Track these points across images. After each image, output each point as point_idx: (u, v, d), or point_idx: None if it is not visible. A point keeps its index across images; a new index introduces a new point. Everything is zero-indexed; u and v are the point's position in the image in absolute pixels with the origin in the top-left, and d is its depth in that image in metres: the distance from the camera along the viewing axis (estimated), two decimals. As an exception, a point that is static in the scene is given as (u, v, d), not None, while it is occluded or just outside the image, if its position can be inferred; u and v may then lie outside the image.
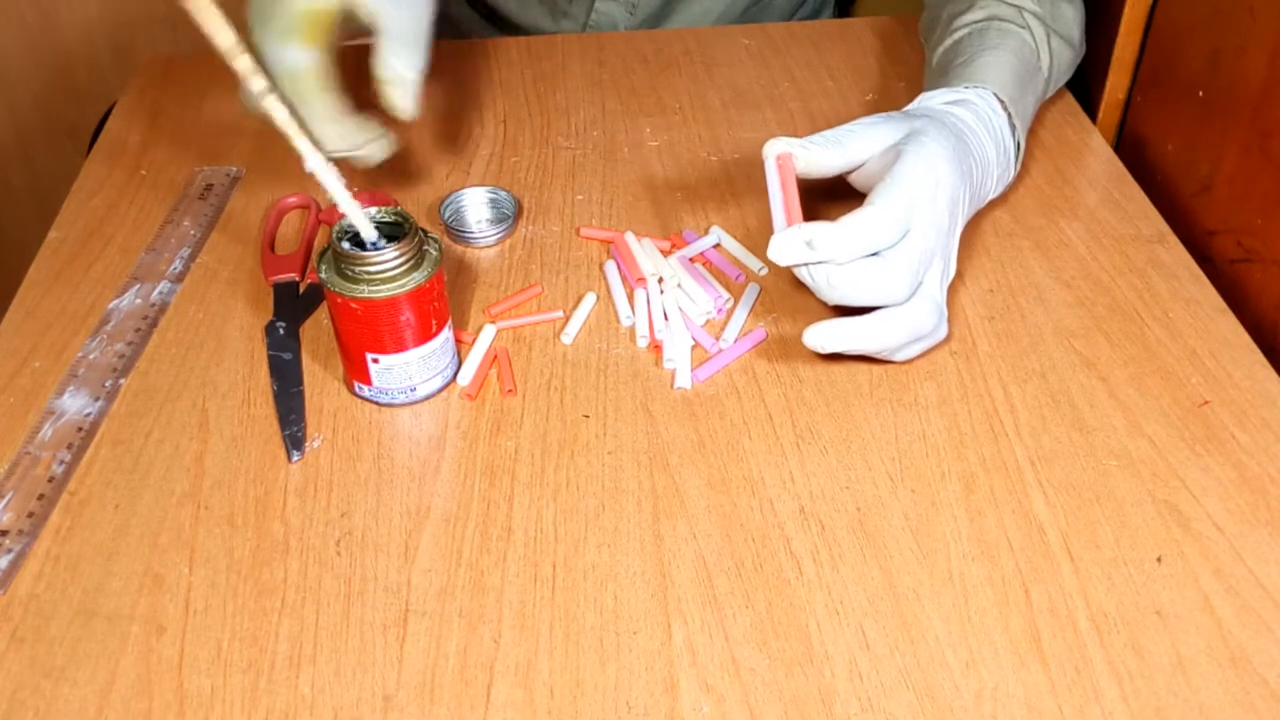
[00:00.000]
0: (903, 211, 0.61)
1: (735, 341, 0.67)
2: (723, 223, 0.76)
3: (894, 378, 0.65)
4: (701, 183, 0.80)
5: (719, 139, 0.85)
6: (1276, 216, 0.70)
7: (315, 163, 0.58)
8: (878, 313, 0.61)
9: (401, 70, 0.66)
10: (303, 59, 0.63)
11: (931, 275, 0.62)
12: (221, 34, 0.56)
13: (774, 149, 0.64)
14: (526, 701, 0.50)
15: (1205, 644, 0.52)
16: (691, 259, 0.73)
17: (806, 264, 0.61)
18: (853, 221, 0.60)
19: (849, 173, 0.68)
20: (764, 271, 0.72)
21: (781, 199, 0.63)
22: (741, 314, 0.69)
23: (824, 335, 0.61)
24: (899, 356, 0.64)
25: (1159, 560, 0.55)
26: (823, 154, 0.65)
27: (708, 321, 0.69)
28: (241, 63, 0.57)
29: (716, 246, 0.74)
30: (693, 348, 0.66)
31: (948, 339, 0.67)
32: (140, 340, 0.67)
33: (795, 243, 0.60)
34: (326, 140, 0.64)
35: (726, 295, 0.70)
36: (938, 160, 0.63)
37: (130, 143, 0.85)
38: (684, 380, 0.64)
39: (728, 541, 0.56)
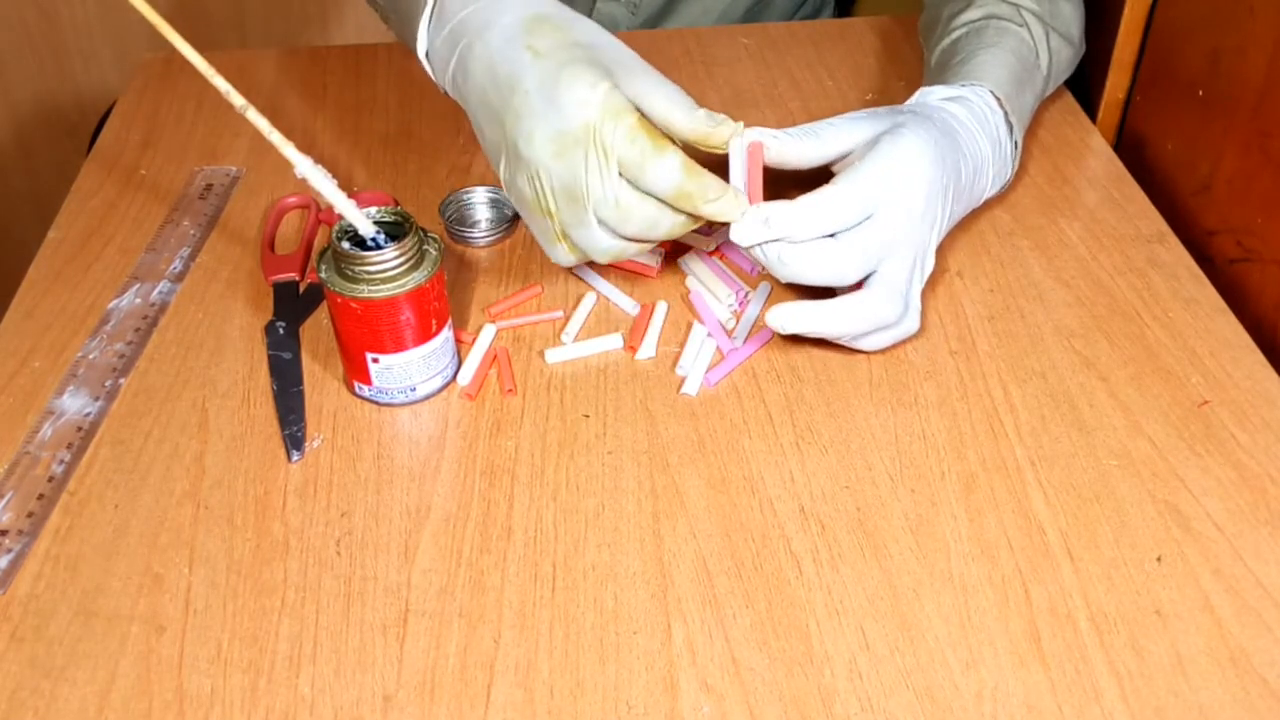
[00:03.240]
0: (863, 195, 0.61)
1: (745, 342, 0.67)
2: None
3: (894, 378, 0.65)
4: (701, 182, 0.80)
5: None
6: (1276, 216, 0.70)
7: (305, 167, 0.58)
8: (839, 298, 0.62)
9: (704, 114, 0.62)
10: (675, 158, 0.59)
11: (896, 264, 0.62)
12: (194, 57, 0.57)
13: (747, 136, 0.64)
14: (526, 701, 0.50)
15: (1205, 644, 0.52)
16: (709, 253, 0.74)
17: (765, 242, 0.61)
18: (808, 199, 0.61)
19: (830, 165, 0.68)
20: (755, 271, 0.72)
21: (744, 184, 0.63)
22: (753, 314, 0.69)
23: (784, 316, 0.62)
24: (864, 345, 0.64)
25: (1159, 560, 0.55)
26: (793, 145, 0.65)
27: (730, 313, 0.69)
28: (219, 81, 0.57)
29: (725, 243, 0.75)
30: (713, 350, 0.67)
31: (947, 337, 0.67)
32: (140, 340, 0.67)
33: (755, 225, 0.61)
34: (736, 208, 0.61)
35: (746, 288, 0.70)
36: (914, 152, 0.63)
37: (130, 142, 0.85)
38: (692, 387, 0.64)
39: (728, 541, 0.56)
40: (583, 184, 0.59)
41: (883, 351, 0.66)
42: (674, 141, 0.61)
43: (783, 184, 0.69)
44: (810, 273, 0.61)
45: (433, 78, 0.68)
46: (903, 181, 0.62)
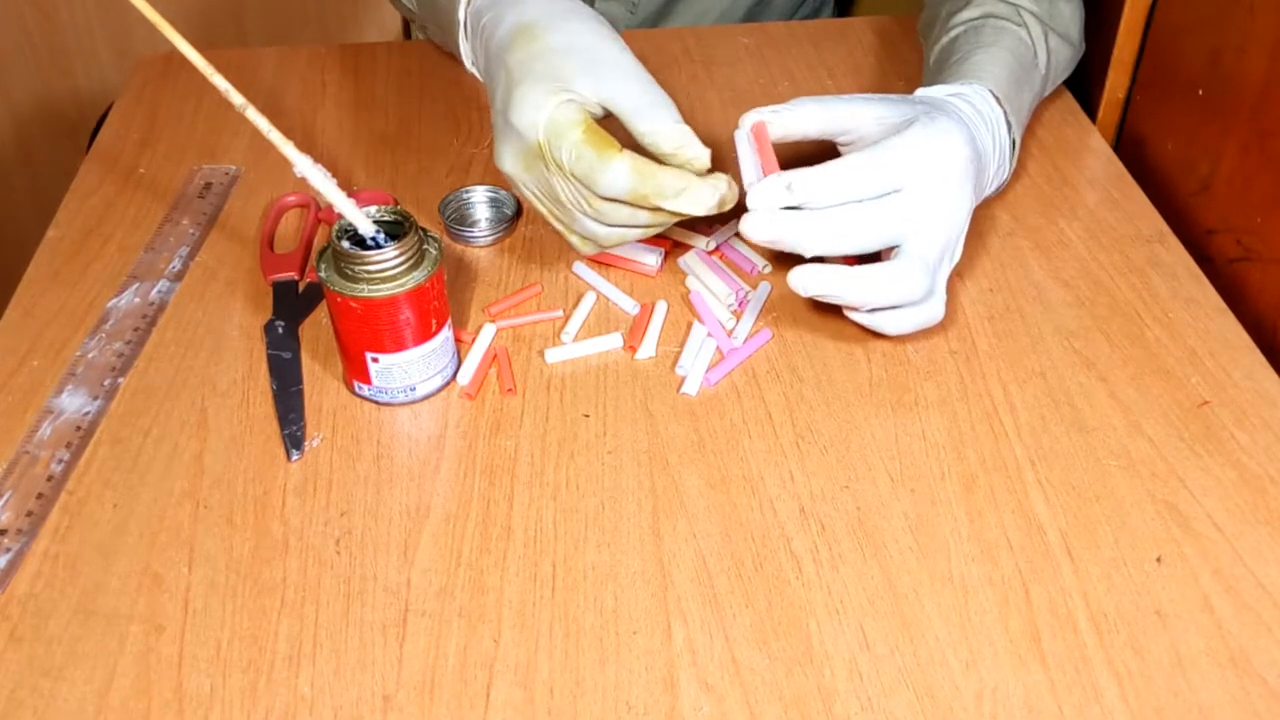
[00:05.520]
0: (890, 165, 0.60)
1: (744, 342, 0.67)
2: (722, 224, 0.76)
3: (894, 378, 0.65)
4: (701, 182, 0.80)
5: (719, 139, 0.85)
6: (1276, 215, 0.70)
7: (304, 166, 0.58)
8: (865, 266, 0.61)
9: (671, 127, 0.61)
10: (622, 165, 0.60)
11: (924, 240, 0.62)
12: (194, 56, 0.57)
13: (747, 121, 0.64)
14: (526, 701, 0.50)
15: (1205, 644, 0.52)
16: (709, 252, 0.74)
17: (786, 209, 0.60)
18: (832, 164, 0.60)
19: (841, 142, 0.67)
20: (767, 269, 0.72)
21: (758, 163, 0.62)
22: (752, 313, 0.69)
23: (806, 277, 0.60)
24: (887, 326, 0.64)
25: (1159, 560, 0.55)
26: (796, 114, 0.64)
27: (730, 313, 0.69)
28: (218, 80, 0.57)
29: (735, 235, 0.75)
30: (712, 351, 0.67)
31: (947, 337, 0.67)
32: (139, 339, 0.67)
33: (776, 188, 0.60)
34: (704, 198, 0.61)
35: (746, 288, 0.70)
36: (953, 136, 0.63)
37: (129, 141, 0.85)
38: (691, 387, 0.64)
39: (728, 541, 0.56)
40: (555, 193, 0.62)
41: (889, 345, 0.66)
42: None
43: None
44: (830, 240, 0.60)
45: (469, 65, 0.72)
46: (936, 161, 0.62)
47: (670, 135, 0.61)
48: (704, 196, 0.61)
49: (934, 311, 0.64)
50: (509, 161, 0.64)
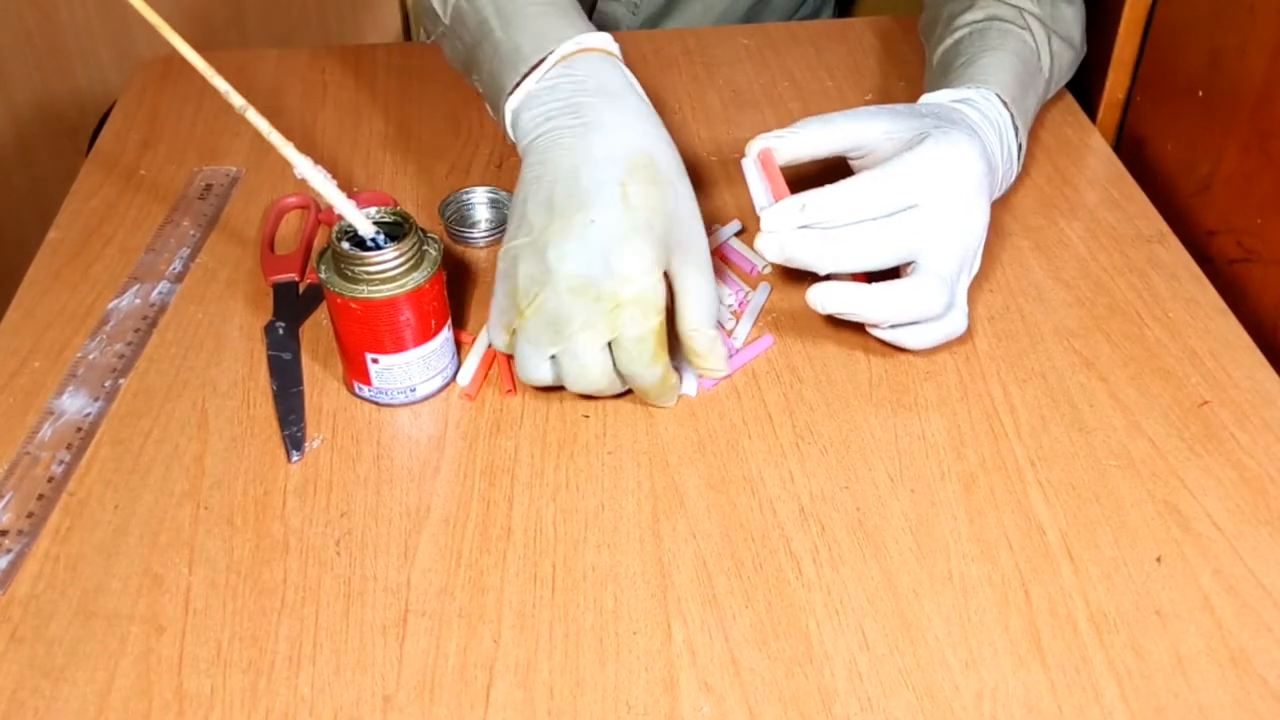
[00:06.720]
0: (905, 182, 0.60)
1: (746, 346, 0.67)
2: (722, 224, 0.76)
3: (894, 378, 0.65)
4: (701, 183, 0.80)
5: (719, 139, 0.85)
6: (1276, 216, 0.70)
7: (305, 167, 0.59)
8: (884, 282, 0.61)
9: (711, 334, 0.62)
10: (657, 373, 0.60)
11: (941, 255, 0.62)
12: (194, 57, 0.57)
13: (754, 148, 0.64)
14: (526, 701, 0.50)
15: (1205, 644, 0.52)
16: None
17: (800, 228, 0.60)
18: (846, 183, 0.60)
19: (852, 157, 0.67)
20: (767, 269, 0.72)
21: (767, 188, 0.62)
22: (752, 314, 0.68)
23: (825, 295, 0.61)
24: (909, 342, 0.64)
25: (1159, 560, 0.55)
26: (801, 137, 0.64)
27: (730, 313, 0.69)
28: (219, 81, 0.57)
29: (739, 234, 0.75)
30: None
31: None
32: (140, 340, 0.67)
33: (790, 210, 0.60)
34: (668, 399, 0.62)
35: (746, 288, 0.70)
36: (967, 150, 0.63)
37: (129, 143, 0.85)
38: (689, 388, 0.64)
39: (728, 541, 0.56)
40: (571, 326, 0.58)
41: (888, 346, 0.66)
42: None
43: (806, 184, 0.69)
44: (845, 258, 0.60)
45: (507, 127, 0.67)
46: (951, 175, 0.62)
47: (705, 340, 0.61)
48: (669, 398, 0.62)
49: (955, 325, 0.64)
50: (568, 270, 0.57)
